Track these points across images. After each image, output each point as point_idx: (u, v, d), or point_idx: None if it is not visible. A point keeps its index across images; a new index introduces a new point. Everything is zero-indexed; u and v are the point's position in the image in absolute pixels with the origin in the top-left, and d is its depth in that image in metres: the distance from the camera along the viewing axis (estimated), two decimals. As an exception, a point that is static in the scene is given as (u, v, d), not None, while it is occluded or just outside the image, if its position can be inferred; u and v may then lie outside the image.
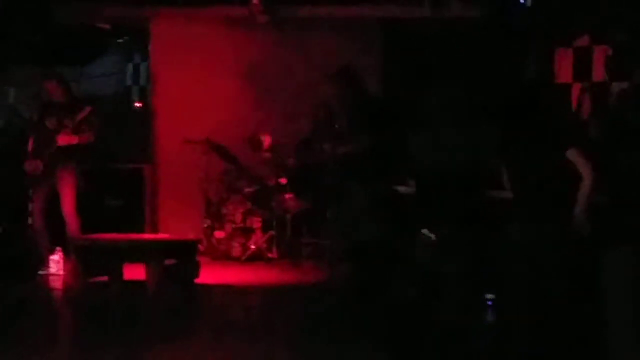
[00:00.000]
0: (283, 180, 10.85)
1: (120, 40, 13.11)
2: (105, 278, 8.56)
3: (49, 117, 9.55)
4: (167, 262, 8.47)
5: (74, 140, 9.37)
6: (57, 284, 9.02)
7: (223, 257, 10.79)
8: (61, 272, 9.31)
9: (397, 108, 10.05)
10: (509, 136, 5.82)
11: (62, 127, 9.41)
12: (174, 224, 11.11)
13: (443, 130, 6.06)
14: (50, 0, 11.20)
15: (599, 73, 9.89)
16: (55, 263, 9.39)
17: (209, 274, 9.09)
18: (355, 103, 8.92)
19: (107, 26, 12.16)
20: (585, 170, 5.43)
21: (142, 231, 11.02)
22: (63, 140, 9.38)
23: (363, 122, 8.80)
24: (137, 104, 13.19)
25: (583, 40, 10.15)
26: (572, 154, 5.51)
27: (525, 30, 10.29)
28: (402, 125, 8.11)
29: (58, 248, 9.42)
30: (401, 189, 7.31)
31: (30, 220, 9.82)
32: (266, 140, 10.99)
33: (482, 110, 6.30)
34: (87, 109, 9.39)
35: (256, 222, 10.92)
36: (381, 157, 8.53)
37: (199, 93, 11.53)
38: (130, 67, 13.43)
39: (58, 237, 9.46)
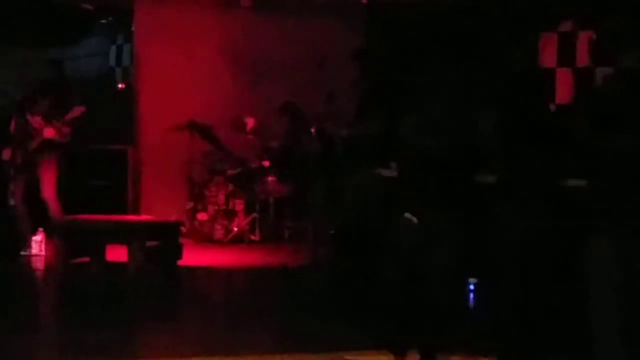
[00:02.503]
0: (266, 163, 10.83)
1: (103, 21, 13.03)
2: (87, 259, 8.54)
3: (34, 114, 9.44)
4: (150, 243, 8.45)
5: (59, 137, 9.31)
6: (39, 264, 9.00)
7: (205, 239, 10.77)
8: (43, 253, 9.28)
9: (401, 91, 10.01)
10: (504, 119, 5.81)
11: (49, 124, 9.34)
12: (156, 206, 11.07)
13: (433, 112, 6.03)
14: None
15: (583, 58, 9.89)
16: (37, 244, 9.36)
17: (192, 256, 9.06)
18: (370, 87, 8.86)
19: (90, 7, 12.07)
20: None
21: (124, 212, 10.98)
22: (49, 133, 9.32)
23: (376, 107, 8.75)
24: (121, 85, 13.13)
25: (567, 25, 10.14)
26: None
27: (511, 14, 10.27)
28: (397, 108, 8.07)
29: (40, 229, 9.39)
30: (384, 172, 7.30)
31: (11, 201, 9.76)
32: (250, 122, 10.98)
33: (476, 92, 6.27)
34: (79, 109, 9.32)
35: (239, 205, 10.91)
36: (386, 141, 8.48)
37: (182, 74, 11.48)
38: (113, 48, 13.36)
39: (40, 218, 9.42)
